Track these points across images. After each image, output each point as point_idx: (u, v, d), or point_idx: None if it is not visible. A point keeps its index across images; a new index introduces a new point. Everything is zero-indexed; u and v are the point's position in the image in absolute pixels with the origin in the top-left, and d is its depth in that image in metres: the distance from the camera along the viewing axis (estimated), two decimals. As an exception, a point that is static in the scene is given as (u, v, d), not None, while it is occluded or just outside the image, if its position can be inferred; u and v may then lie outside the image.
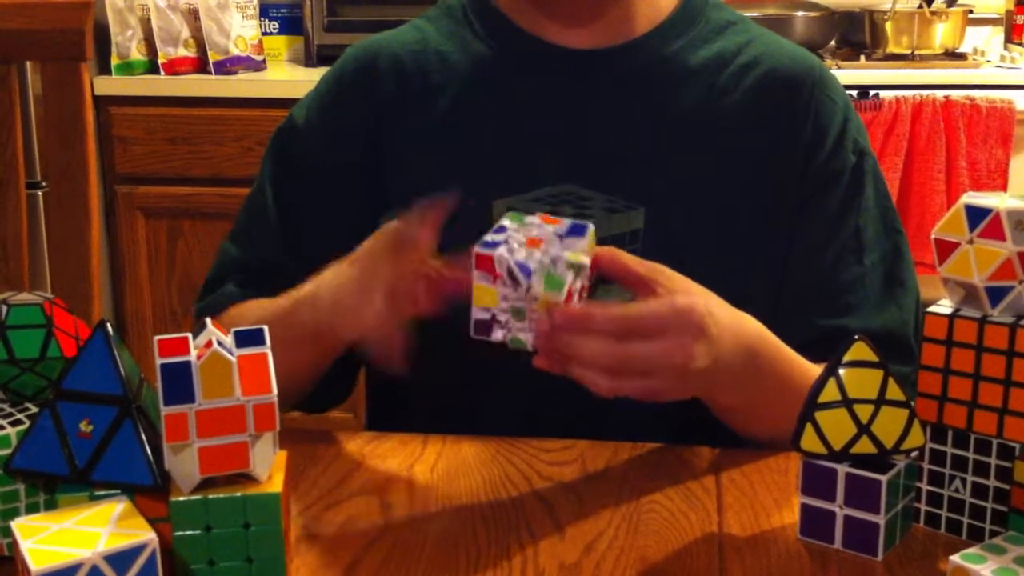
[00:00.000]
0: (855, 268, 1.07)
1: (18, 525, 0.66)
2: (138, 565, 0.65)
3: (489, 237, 0.83)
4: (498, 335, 0.84)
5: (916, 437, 0.79)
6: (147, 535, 0.65)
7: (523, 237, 0.83)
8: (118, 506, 0.68)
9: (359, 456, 0.97)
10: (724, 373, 0.89)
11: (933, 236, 0.79)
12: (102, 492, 0.71)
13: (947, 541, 0.82)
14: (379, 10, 2.88)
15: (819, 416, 0.78)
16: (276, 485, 0.72)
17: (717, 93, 1.09)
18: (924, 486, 0.83)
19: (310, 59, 2.97)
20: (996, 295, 0.77)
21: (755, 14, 2.77)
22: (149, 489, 0.71)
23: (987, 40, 3.07)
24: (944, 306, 0.80)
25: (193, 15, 2.87)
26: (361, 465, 0.96)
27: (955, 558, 0.75)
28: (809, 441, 0.79)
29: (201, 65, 2.85)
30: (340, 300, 0.95)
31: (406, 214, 0.92)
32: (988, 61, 2.84)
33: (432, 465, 0.95)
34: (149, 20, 2.82)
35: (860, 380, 0.79)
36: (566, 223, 0.85)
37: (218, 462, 0.70)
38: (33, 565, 0.62)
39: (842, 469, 0.79)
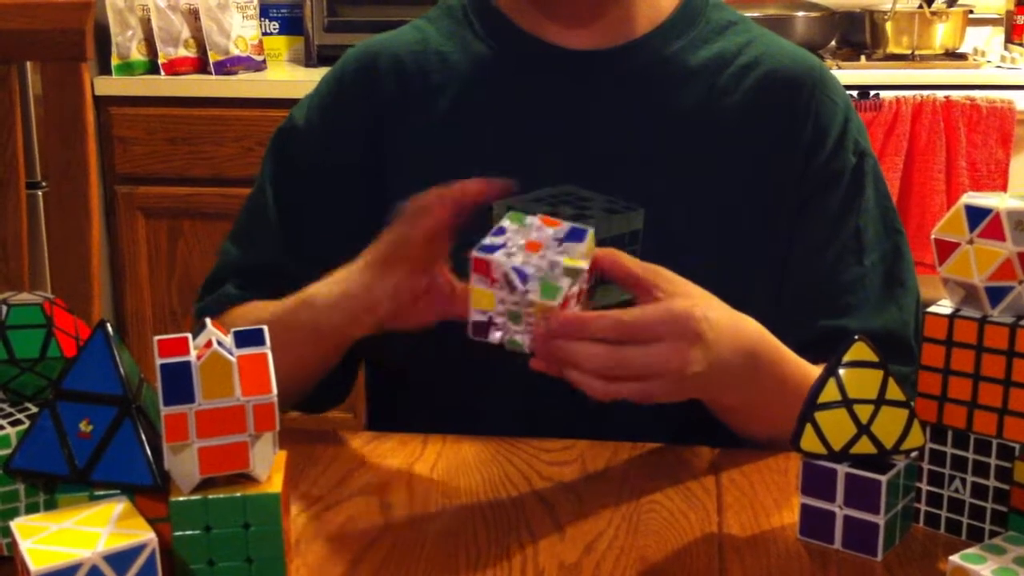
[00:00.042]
0: (855, 268, 1.07)
1: (18, 525, 0.66)
2: (138, 565, 0.65)
3: (488, 240, 0.84)
4: (495, 337, 0.84)
5: (916, 437, 0.79)
6: (147, 535, 0.65)
7: (522, 240, 0.83)
8: (118, 506, 0.68)
9: (359, 456, 0.97)
10: (722, 376, 0.89)
11: (933, 236, 0.79)
12: (102, 492, 0.71)
13: (947, 541, 0.82)
14: (379, 10, 2.88)
15: (819, 416, 0.78)
16: (276, 485, 0.72)
17: (717, 93, 1.09)
18: (924, 486, 0.83)
19: (310, 59, 2.97)
20: (996, 295, 0.77)
21: (755, 14, 2.77)
22: (149, 489, 0.71)
23: (987, 40, 3.07)
24: (944, 306, 0.80)
25: (193, 15, 2.87)
26: (361, 465, 0.96)
27: (955, 558, 0.75)
28: (809, 441, 0.79)
29: (201, 65, 2.85)
30: (341, 304, 0.95)
31: (425, 195, 0.93)
32: (988, 61, 2.84)
33: (432, 465, 0.95)
34: (149, 20, 2.82)
35: (860, 380, 0.79)
36: (566, 226, 0.85)
37: (218, 462, 0.70)
38: (32, 565, 0.62)
39: (842, 469, 0.79)
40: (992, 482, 0.79)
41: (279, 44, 3.14)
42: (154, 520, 0.68)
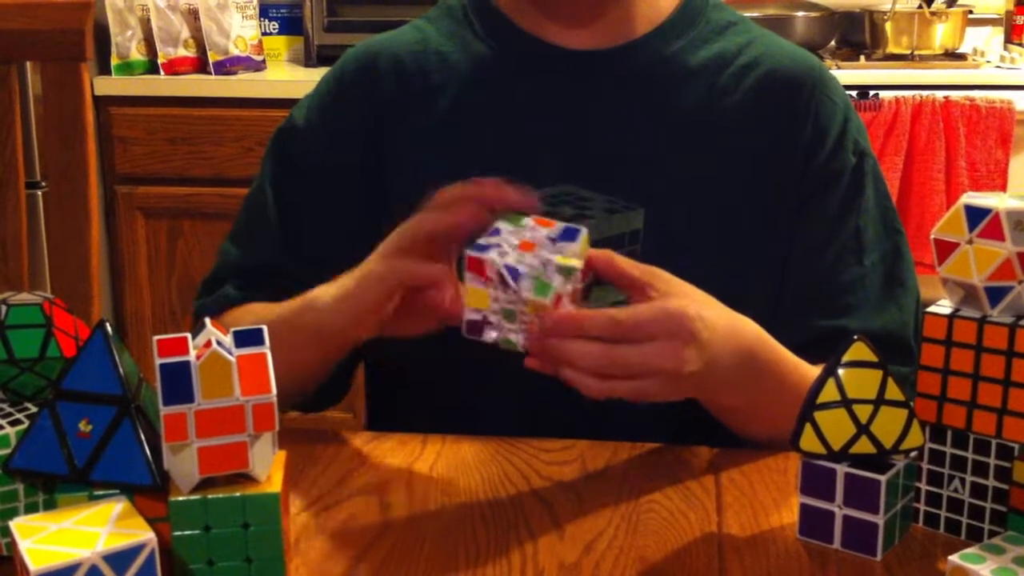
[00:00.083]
0: (855, 269, 1.07)
1: (17, 525, 0.66)
2: (137, 565, 0.65)
3: (482, 240, 0.85)
4: (490, 336, 0.85)
5: (915, 437, 0.79)
6: (146, 535, 0.65)
7: (516, 240, 0.84)
8: (117, 506, 0.68)
9: (359, 456, 0.97)
10: (718, 376, 0.89)
11: (932, 236, 0.79)
12: (101, 492, 0.71)
13: (946, 541, 0.82)
14: (379, 10, 2.88)
15: (818, 416, 0.78)
16: (275, 485, 0.72)
17: (717, 93, 1.09)
18: (923, 486, 0.83)
19: (310, 59, 2.97)
20: (995, 295, 0.77)
21: (755, 14, 2.77)
22: (148, 489, 0.71)
23: (987, 40, 3.07)
24: (944, 306, 0.80)
25: (193, 15, 2.87)
26: (361, 465, 0.96)
27: (954, 558, 0.75)
28: (808, 441, 0.79)
29: (201, 65, 2.85)
30: (344, 306, 0.95)
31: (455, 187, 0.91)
32: (988, 61, 2.85)
33: (431, 465, 0.95)
34: (149, 20, 2.82)
35: (859, 380, 0.79)
36: (559, 226, 0.86)
37: (217, 462, 0.70)
38: (32, 565, 0.62)
39: (841, 469, 0.79)
40: (991, 482, 0.80)
41: (279, 44, 3.14)
42: (153, 520, 0.68)
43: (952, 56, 2.85)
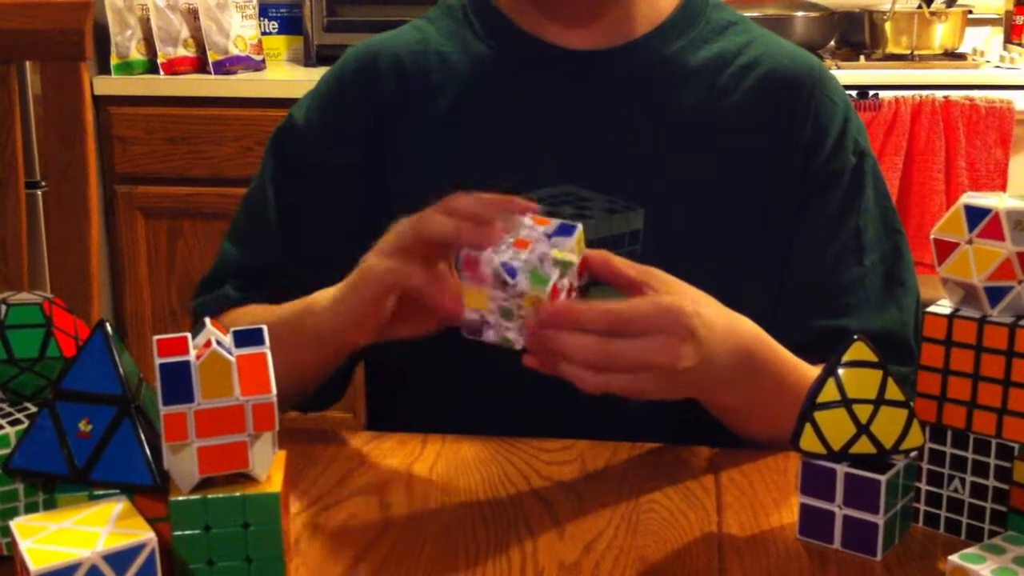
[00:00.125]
0: (855, 269, 1.07)
1: (17, 525, 0.66)
2: (137, 565, 0.65)
3: None
4: (489, 335, 0.86)
5: (915, 437, 0.79)
6: (146, 535, 0.65)
7: (511, 238, 0.85)
8: (117, 506, 0.68)
9: (359, 456, 0.97)
10: (715, 374, 0.89)
11: (932, 236, 0.79)
12: (101, 492, 0.71)
13: (946, 541, 0.82)
14: (379, 10, 2.88)
15: (818, 416, 0.78)
16: (275, 485, 0.72)
17: (717, 93, 1.09)
18: (923, 486, 0.83)
19: (310, 59, 2.97)
20: (995, 295, 0.77)
21: (755, 14, 2.77)
22: (148, 489, 0.71)
23: (987, 40, 3.07)
24: (943, 306, 0.80)
25: (192, 15, 2.87)
26: (361, 465, 0.96)
27: (954, 558, 0.75)
28: (808, 441, 0.79)
29: (201, 65, 2.85)
30: (343, 308, 0.95)
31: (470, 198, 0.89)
32: (987, 61, 2.85)
33: (431, 465, 0.95)
34: (148, 20, 2.82)
35: (859, 380, 0.79)
36: (555, 223, 0.86)
37: (217, 462, 0.70)
38: (32, 565, 0.62)
39: (841, 469, 0.79)
40: (991, 482, 0.80)
41: (278, 44, 3.14)
42: (153, 520, 0.68)
43: (952, 56, 2.85)
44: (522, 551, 0.81)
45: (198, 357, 0.69)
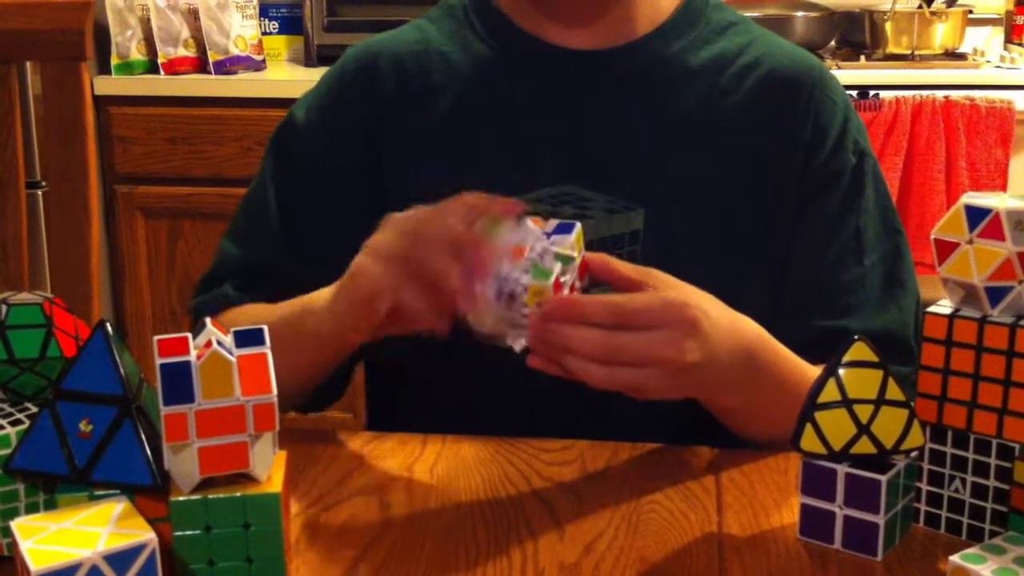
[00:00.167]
0: (855, 269, 1.07)
1: (18, 525, 0.66)
2: (138, 565, 0.65)
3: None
4: (497, 342, 0.86)
5: (916, 437, 0.79)
6: (147, 535, 0.65)
7: (509, 246, 0.85)
8: (118, 506, 0.68)
9: (359, 456, 0.97)
10: (719, 373, 0.89)
11: (933, 236, 0.79)
12: (102, 492, 0.71)
13: (947, 541, 0.82)
14: (379, 10, 2.88)
15: (819, 416, 0.78)
16: (276, 485, 0.72)
17: (718, 94, 1.09)
18: (924, 486, 0.83)
19: (310, 59, 2.97)
20: (996, 295, 0.77)
21: (755, 14, 2.77)
22: (149, 489, 0.71)
23: (987, 40, 3.07)
24: (944, 306, 0.80)
25: (193, 15, 2.87)
26: (361, 465, 0.96)
27: (955, 558, 0.75)
28: (809, 441, 0.79)
29: (201, 65, 2.85)
30: (339, 309, 0.95)
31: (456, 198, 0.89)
32: (988, 61, 2.85)
33: (432, 465, 0.95)
34: (149, 20, 2.82)
35: (860, 380, 0.79)
36: (554, 223, 0.87)
37: (218, 462, 0.70)
38: (33, 565, 0.62)
39: (842, 469, 0.79)
40: (992, 482, 0.79)
41: (279, 44, 3.14)
42: (154, 520, 0.68)
43: (952, 56, 2.85)
44: (522, 551, 0.81)
45: (199, 357, 0.69)
